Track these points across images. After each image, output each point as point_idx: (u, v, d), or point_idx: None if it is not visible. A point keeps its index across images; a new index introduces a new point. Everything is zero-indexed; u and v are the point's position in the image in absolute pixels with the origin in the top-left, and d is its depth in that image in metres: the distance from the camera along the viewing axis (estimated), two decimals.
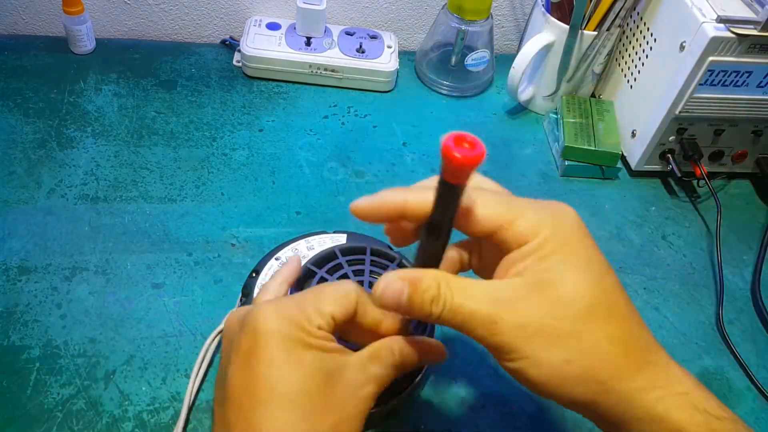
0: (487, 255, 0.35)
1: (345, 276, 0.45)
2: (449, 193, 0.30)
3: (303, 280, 0.44)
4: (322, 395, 0.32)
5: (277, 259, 0.47)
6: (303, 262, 0.45)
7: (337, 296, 0.33)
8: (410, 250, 0.47)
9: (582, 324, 0.30)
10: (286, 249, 0.47)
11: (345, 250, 0.47)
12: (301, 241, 0.48)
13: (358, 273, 0.46)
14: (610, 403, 0.30)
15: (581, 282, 0.30)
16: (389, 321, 0.35)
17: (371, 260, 0.46)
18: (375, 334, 0.35)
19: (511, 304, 0.30)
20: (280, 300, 0.34)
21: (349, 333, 0.36)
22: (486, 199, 0.32)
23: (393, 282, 0.31)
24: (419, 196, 0.32)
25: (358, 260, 0.46)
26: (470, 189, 0.31)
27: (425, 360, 0.36)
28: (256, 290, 0.44)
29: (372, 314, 0.35)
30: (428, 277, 0.31)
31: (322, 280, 0.45)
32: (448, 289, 0.31)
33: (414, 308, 0.31)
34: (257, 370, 0.31)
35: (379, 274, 0.46)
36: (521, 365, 0.30)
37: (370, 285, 0.45)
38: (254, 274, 0.46)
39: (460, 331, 0.31)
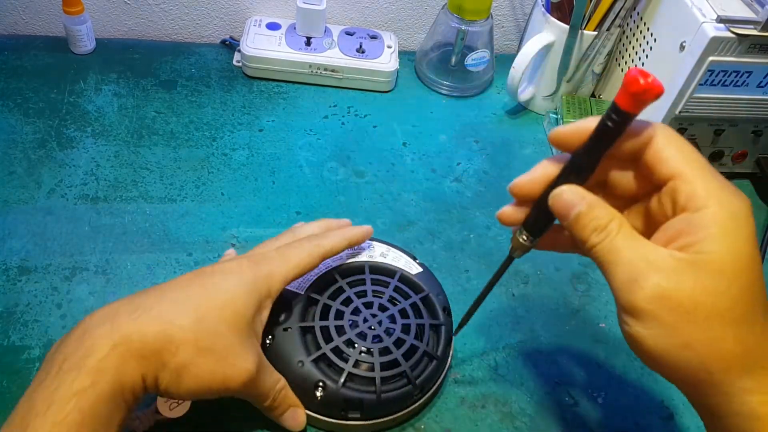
0: (650, 213, 0.34)
1: (348, 300, 0.45)
2: (619, 123, 0.30)
3: (305, 307, 0.44)
4: (212, 280, 0.37)
5: None
6: (304, 291, 0.45)
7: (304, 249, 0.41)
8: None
9: (717, 318, 0.29)
10: None
11: (344, 272, 0.46)
12: None
13: (360, 295, 0.45)
14: (711, 392, 0.30)
15: (737, 280, 0.29)
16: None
17: (371, 279, 0.46)
18: None
19: (662, 273, 0.29)
20: None
21: None
22: (678, 143, 0.31)
23: (573, 196, 0.32)
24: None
25: (359, 280, 0.46)
26: (664, 130, 0.31)
27: (281, 419, 0.41)
28: None
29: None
30: (604, 206, 0.31)
31: (326, 306, 0.45)
32: (616, 228, 0.31)
33: (577, 227, 0.32)
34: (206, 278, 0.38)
35: (382, 295, 0.46)
36: (641, 333, 0.30)
37: (380, 307, 0.45)
38: None
39: (599, 267, 0.31)
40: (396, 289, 0.46)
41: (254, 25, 0.69)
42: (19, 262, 0.49)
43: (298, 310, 0.44)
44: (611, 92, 0.69)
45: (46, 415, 0.30)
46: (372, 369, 0.42)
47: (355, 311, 0.44)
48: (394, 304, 0.45)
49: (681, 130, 0.61)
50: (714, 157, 0.64)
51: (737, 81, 0.57)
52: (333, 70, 0.68)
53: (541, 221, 0.35)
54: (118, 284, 0.49)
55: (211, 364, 0.35)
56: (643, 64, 0.63)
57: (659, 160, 0.31)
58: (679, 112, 0.59)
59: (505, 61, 0.71)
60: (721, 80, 0.57)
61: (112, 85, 0.65)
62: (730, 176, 0.67)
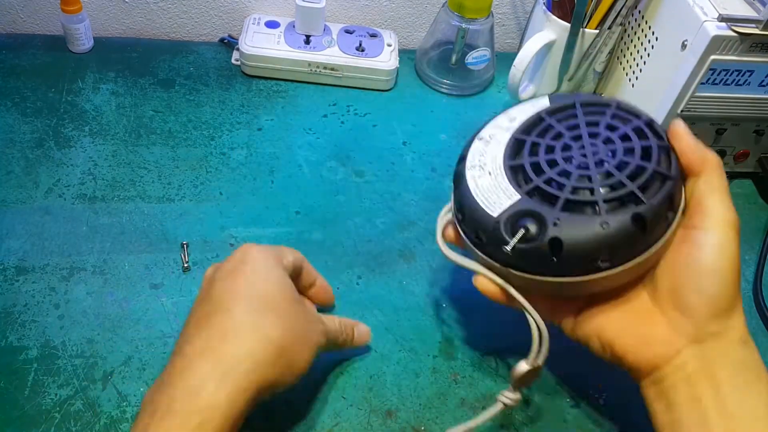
0: None
1: (559, 134, 0.40)
2: None
3: (515, 151, 0.41)
4: (294, 307, 0.39)
5: (480, 139, 0.42)
6: (509, 135, 0.41)
7: (293, 252, 0.43)
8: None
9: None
10: (486, 128, 0.43)
11: (551, 111, 0.42)
12: (501, 116, 0.43)
13: (572, 128, 0.41)
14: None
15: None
16: (320, 282, 0.46)
17: (583, 112, 0.41)
18: None
19: None
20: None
21: None
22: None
23: None
24: None
25: (569, 116, 0.42)
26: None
27: (357, 341, 0.46)
28: (467, 172, 0.41)
29: (311, 275, 0.45)
30: None
31: (535, 145, 0.41)
32: None
33: None
34: (240, 274, 0.38)
35: (597, 123, 0.40)
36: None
37: (591, 135, 0.40)
38: (461, 161, 0.42)
39: None
40: (615, 117, 0.41)
41: (253, 24, 0.69)
42: (16, 262, 0.49)
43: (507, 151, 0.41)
44: (613, 91, 0.69)
45: None
46: (592, 193, 0.37)
47: (566, 147, 0.40)
48: (614, 131, 0.40)
49: None
50: None
51: (739, 80, 0.57)
52: (332, 69, 0.67)
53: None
54: (115, 284, 0.49)
55: (302, 344, 0.38)
56: (644, 63, 0.63)
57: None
58: (681, 111, 0.58)
59: (505, 59, 0.71)
60: (722, 79, 0.56)
61: (110, 84, 0.64)
62: (732, 176, 0.67)
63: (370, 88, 0.69)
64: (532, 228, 0.37)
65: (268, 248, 0.41)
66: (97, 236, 0.52)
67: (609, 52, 0.67)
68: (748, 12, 0.55)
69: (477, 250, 0.40)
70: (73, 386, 0.43)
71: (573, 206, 0.37)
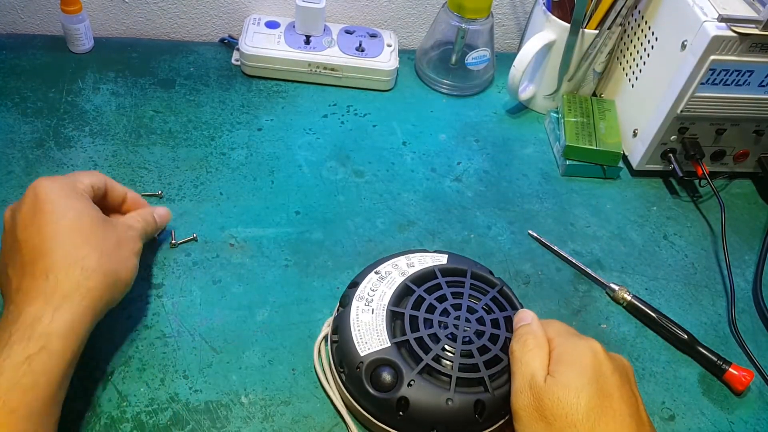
0: None
1: (443, 297, 0.45)
2: None
3: (401, 296, 0.45)
4: (101, 229, 0.41)
5: (377, 273, 0.46)
6: (402, 279, 0.45)
7: (91, 174, 0.45)
8: (510, 278, 0.47)
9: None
10: (386, 264, 0.47)
11: (445, 271, 0.46)
12: (402, 258, 0.48)
13: (456, 295, 0.45)
14: None
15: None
16: (131, 196, 0.48)
17: (471, 284, 0.46)
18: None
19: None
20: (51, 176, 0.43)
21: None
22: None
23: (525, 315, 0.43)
24: None
25: (458, 282, 0.46)
26: None
27: (161, 223, 0.49)
28: (353, 302, 0.44)
29: (119, 191, 0.47)
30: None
31: (420, 299, 0.45)
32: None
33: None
34: (42, 217, 0.39)
35: (479, 299, 0.46)
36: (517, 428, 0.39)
37: (468, 309, 0.44)
38: (353, 286, 0.46)
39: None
40: (494, 300, 0.46)
41: (253, 24, 0.69)
42: None
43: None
44: (612, 91, 0.69)
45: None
46: (450, 366, 0.41)
47: (445, 312, 0.44)
48: (489, 313, 0.45)
49: (682, 130, 0.61)
50: (715, 157, 0.64)
51: (738, 80, 0.57)
52: (332, 69, 0.67)
53: None
54: None
55: (120, 261, 0.42)
56: (644, 63, 0.63)
57: None
58: (681, 111, 0.58)
59: (505, 59, 0.71)
60: (722, 79, 0.56)
61: (110, 84, 0.64)
62: (731, 176, 0.67)
63: (370, 88, 0.69)
64: (390, 379, 0.40)
65: (60, 179, 0.42)
66: None
67: (609, 53, 0.67)
68: (748, 12, 0.55)
69: (337, 377, 0.43)
70: (73, 386, 0.43)
71: (431, 370, 0.41)
